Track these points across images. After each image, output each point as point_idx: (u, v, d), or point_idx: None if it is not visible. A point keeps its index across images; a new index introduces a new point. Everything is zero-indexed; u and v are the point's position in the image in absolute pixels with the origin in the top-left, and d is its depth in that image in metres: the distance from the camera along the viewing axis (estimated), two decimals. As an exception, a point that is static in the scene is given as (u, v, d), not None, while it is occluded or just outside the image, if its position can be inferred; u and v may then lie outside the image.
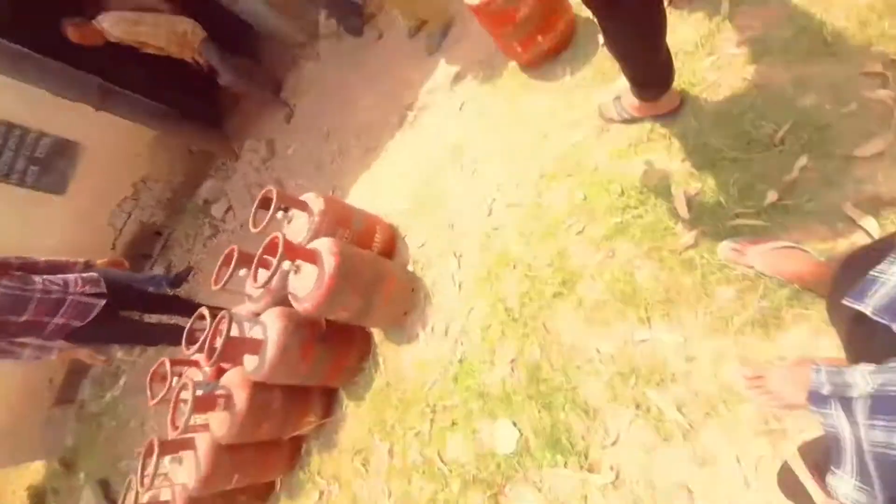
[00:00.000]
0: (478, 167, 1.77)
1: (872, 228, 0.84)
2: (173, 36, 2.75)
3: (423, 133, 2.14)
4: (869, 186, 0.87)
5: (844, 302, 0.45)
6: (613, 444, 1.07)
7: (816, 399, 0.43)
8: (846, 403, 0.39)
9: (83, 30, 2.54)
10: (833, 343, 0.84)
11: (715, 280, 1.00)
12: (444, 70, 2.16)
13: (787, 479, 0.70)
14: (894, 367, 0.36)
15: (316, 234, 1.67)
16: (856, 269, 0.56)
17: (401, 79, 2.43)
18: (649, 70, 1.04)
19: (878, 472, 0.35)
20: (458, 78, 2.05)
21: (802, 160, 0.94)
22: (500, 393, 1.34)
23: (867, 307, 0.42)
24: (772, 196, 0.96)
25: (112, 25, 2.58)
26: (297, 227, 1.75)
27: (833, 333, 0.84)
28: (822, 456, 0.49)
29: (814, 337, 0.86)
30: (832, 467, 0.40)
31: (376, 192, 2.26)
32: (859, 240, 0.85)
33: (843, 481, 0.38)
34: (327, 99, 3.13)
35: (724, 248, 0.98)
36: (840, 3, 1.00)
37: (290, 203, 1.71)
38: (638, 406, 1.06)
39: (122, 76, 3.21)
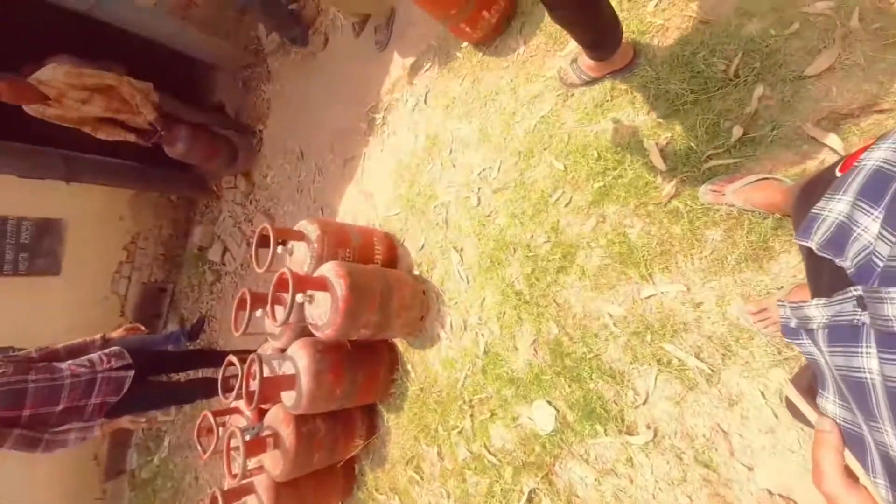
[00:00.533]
0: (456, 157, 1.86)
1: (836, 144, 0.91)
2: (122, 81, 2.67)
3: (395, 133, 2.23)
4: (825, 103, 0.94)
5: (795, 240, 0.53)
6: (644, 402, 1.20)
7: (788, 332, 0.50)
8: (811, 334, 0.47)
9: (16, 87, 2.33)
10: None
11: (702, 224, 1.10)
12: (399, 64, 2.23)
13: (791, 403, 0.81)
14: (839, 300, 0.43)
15: (319, 261, 1.80)
16: (806, 203, 0.65)
17: (359, 81, 2.51)
18: (596, 32, 1.11)
19: (848, 391, 0.42)
20: (414, 69, 2.12)
21: (759, 90, 1.01)
22: (529, 375, 1.48)
23: (813, 244, 0.49)
24: (737, 131, 1.03)
25: (50, 76, 2.39)
26: (298, 257, 1.89)
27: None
28: (811, 379, 0.57)
29: (802, 260, 0.96)
30: (819, 389, 0.47)
31: (364, 202, 2.38)
32: (828, 157, 0.93)
33: (828, 401, 0.45)
34: (291, 117, 3.23)
35: (704, 191, 1.07)
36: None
37: (286, 236, 1.84)
38: (659, 361, 1.17)
39: (82, 142, 3.37)
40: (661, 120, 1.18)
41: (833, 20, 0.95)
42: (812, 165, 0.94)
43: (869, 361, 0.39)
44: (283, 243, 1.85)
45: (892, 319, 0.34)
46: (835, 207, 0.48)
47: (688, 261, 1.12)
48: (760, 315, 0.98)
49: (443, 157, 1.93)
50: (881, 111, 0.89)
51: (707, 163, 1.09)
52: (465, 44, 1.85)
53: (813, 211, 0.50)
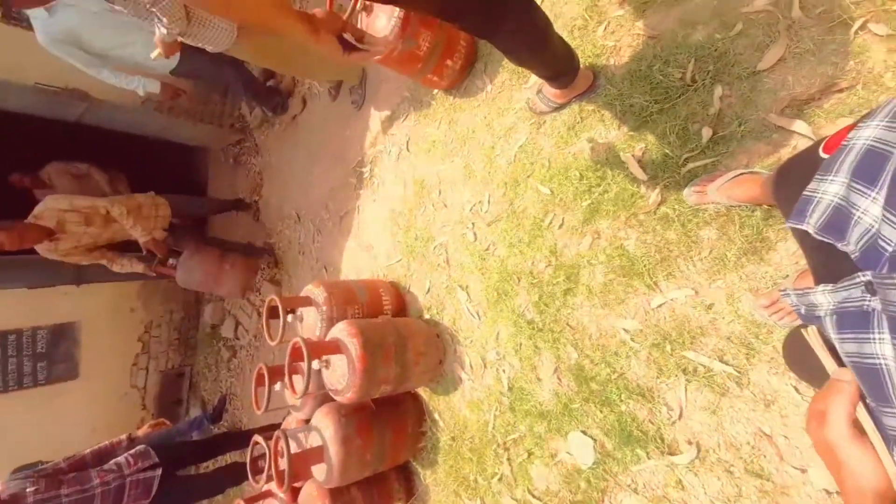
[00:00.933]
0: (446, 197, 1.94)
1: (804, 129, 0.95)
2: (113, 201, 2.60)
3: (384, 183, 2.33)
4: (784, 92, 0.99)
5: (788, 224, 0.52)
6: (680, 417, 1.18)
7: (804, 318, 0.51)
8: (820, 321, 0.47)
9: (16, 232, 2.28)
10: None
11: (695, 225, 1.13)
12: (377, 118, 2.37)
13: (791, 350, 0.78)
14: (846, 286, 0.43)
15: (329, 323, 1.85)
16: (785, 186, 0.67)
17: (342, 140, 2.66)
18: (552, 65, 1.20)
19: (860, 378, 0.42)
20: (392, 121, 2.25)
21: (718, 90, 1.07)
22: (558, 406, 1.46)
23: (809, 227, 0.49)
24: (707, 132, 1.09)
25: (42, 209, 2.40)
26: (309, 323, 1.94)
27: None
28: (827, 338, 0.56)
29: (801, 245, 0.97)
30: None
31: (365, 255, 2.45)
32: (799, 143, 0.97)
33: None
34: (283, 184, 3.39)
35: (688, 194, 1.11)
36: (691, -67, 1.15)
37: (294, 304, 1.90)
38: (684, 371, 1.17)
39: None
40: (632, 133, 1.24)
41: (774, 14, 1.02)
42: (785, 152, 0.98)
43: (882, 347, 0.39)
44: (293, 311, 1.91)
45: None
46: (828, 189, 0.48)
47: (689, 264, 1.14)
48: (773, 307, 0.99)
49: (433, 198, 2.01)
50: (841, 90, 0.94)
51: (685, 166, 1.13)
52: (435, 91, 1.97)
53: (805, 193, 0.50)
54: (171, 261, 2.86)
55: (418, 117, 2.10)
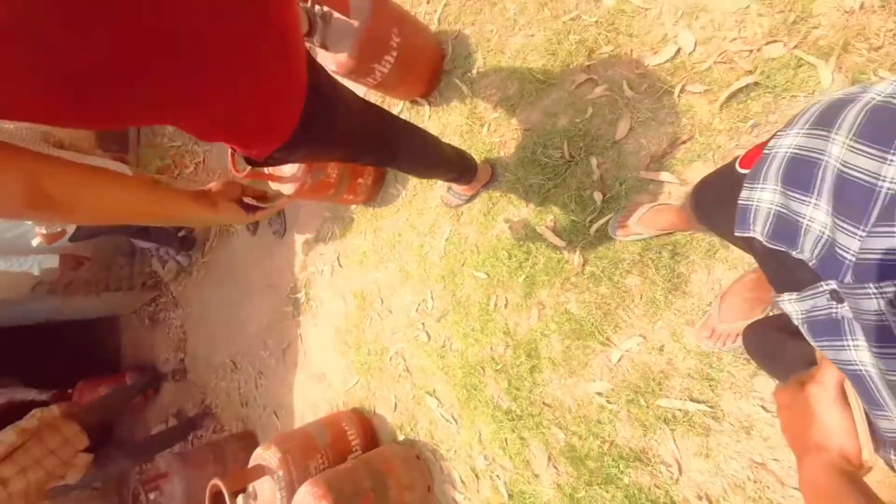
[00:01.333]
0: (390, 304, 2.00)
1: (669, 177, 1.19)
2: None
3: (323, 303, 2.35)
4: (643, 153, 1.24)
5: (736, 234, 0.54)
6: (680, 472, 1.21)
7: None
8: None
9: None
10: (723, 267, 1.13)
11: (620, 276, 1.28)
12: (301, 242, 2.47)
13: (752, 338, 0.83)
14: (811, 294, 0.44)
15: (290, 489, 1.69)
16: (711, 202, 0.74)
17: (270, 271, 2.70)
18: (450, 171, 1.40)
19: (850, 381, 0.44)
20: (318, 241, 2.36)
21: (594, 160, 1.32)
22: (565, 500, 1.42)
23: (757, 234, 0.50)
24: (598, 196, 1.30)
25: None
26: (266, 499, 1.75)
27: (721, 259, 1.13)
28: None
29: (709, 273, 1.15)
30: None
31: (318, 385, 2.36)
32: (673, 189, 1.19)
33: None
34: (211, 332, 3.26)
35: (612, 231, 1.26)
36: (529, 50, 1.50)
37: (243, 481, 1.73)
38: (665, 421, 1.23)
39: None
40: (539, 208, 1.44)
41: (613, 97, 1.31)
42: (663, 198, 1.21)
43: (859, 354, 0.41)
44: (243, 490, 1.73)
45: (884, 313, 0.36)
46: (762, 197, 0.50)
47: (628, 312, 1.27)
48: (713, 336, 1.11)
49: (376, 308, 2.06)
50: (684, 142, 1.19)
51: (592, 227, 1.32)
52: (354, 206, 2.14)
53: (740, 202, 0.53)
54: (152, 495, 2.38)
55: (343, 233, 2.23)
